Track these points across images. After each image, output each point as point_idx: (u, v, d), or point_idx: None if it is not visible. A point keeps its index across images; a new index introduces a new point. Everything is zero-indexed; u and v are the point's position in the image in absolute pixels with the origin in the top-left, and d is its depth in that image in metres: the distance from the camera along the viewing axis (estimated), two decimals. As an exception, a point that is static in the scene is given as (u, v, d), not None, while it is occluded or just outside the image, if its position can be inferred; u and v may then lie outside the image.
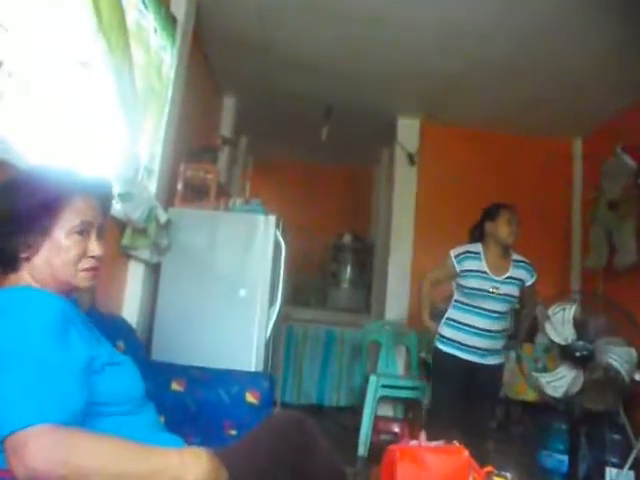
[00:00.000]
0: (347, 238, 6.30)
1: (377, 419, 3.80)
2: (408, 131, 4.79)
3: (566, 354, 2.82)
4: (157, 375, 2.06)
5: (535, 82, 3.85)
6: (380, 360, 4.12)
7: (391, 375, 3.98)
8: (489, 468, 1.48)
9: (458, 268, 2.70)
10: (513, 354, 3.29)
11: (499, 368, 2.75)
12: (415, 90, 4.27)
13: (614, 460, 3.01)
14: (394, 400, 4.15)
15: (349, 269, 6.27)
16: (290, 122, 5.20)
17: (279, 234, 2.94)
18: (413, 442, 1.65)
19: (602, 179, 4.04)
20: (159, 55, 2.70)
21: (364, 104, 4.57)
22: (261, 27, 3.48)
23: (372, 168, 6.26)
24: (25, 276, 1.13)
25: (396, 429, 3.83)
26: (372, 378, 3.78)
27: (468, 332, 2.66)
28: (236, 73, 4.25)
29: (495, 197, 4.58)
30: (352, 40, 3.55)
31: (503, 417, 4.09)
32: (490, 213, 2.79)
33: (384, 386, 3.74)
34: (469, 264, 2.69)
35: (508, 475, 1.45)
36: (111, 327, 1.82)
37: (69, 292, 1.20)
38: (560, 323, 2.83)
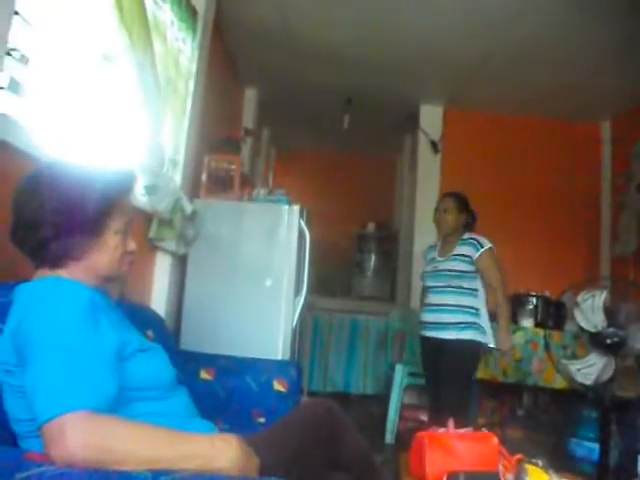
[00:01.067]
0: (371, 227, 6.29)
1: (404, 407, 3.81)
2: (431, 118, 4.75)
3: (596, 341, 2.77)
4: (186, 364, 2.08)
5: (561, 64, 3.76)
6: (407, 348, 4.11)
7: (417, 363, 3.97)
8: (520, 455, 1.47)
9: (425, 260, 3.09)
10: (542, 342, 3.26)
11: (464, 344, 2.73)
12: (437, 76, 4.21)
13: (646, 448, 2.96)
14: (420, 388, 4.14)
15: (373, 258, 6.27)
16: (312, 112, 5.19)
17: (303, 224, 2.94)
18: (441, 429, 1.65)
19: (631, 162, 3.95)
20: (176, 47, 2.70)
21: (386, 92, 4.54)
22: (281, 17, 3.47)
23: (395, 156, 6.22)
24: (58, 270, 1.15)
25: (423, 417, 3.82)
26: (398, 366, 3.78)
27: (424, 310, 2.94)
28: (257, 64, 4.25)
29: (521, 183, 4.59)
30: (373, 28, 3.52)
31: (531, 405, 4.06)
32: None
33: (410, 374, 3.73)
34: (429, 255, 3.05)
35: (539, 463, 1.44)
36: (140, 317, 1.84)
37: (101, 283, 1.23)
38: (590, 310, 2.77)
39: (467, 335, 2.74)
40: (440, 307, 2.81)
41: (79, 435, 0.89)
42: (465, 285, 2.80)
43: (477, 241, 2.82)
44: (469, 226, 3.01)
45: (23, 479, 0.85)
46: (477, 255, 2.79)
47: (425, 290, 3.02)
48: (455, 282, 2.80)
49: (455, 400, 2.66)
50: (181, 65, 2.77)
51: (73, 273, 1.15)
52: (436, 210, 3.02)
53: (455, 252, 2.85)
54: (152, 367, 1.21)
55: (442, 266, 2.86)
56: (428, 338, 2.87)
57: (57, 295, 1.07)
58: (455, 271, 2.81)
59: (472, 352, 2.77)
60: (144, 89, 2.18)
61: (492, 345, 2.80)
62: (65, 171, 1.18)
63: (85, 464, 0.88)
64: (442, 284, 2.83)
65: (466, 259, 2.81)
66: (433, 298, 2.87)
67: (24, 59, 1.57)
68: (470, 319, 2.76)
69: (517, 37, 3.46)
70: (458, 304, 2.78)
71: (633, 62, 3.56)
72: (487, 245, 2.81)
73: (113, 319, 1.16)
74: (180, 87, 2.77)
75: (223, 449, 1.00)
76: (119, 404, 1.05)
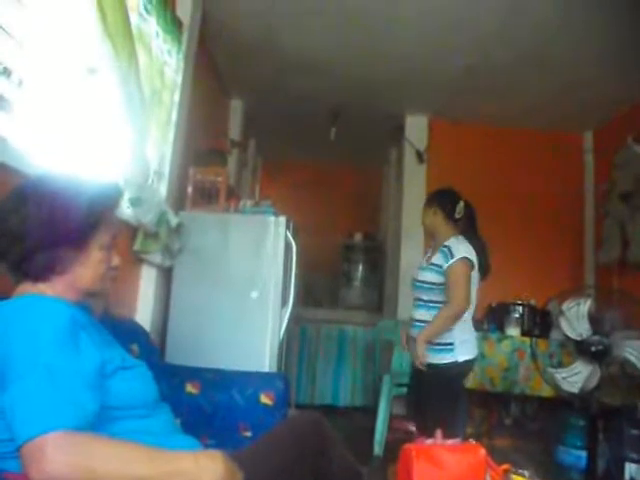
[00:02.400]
0: (358, 237, 6.30)
1: (392, 418, 3.79)
2: (416, 129, 4.78)
3: (581, 349, 2.79)
4: (171, 378, 2.07)
5: (544, 76, 3.82)
6: (394, 359, 4.10)
7: (405, 374, 3.96)
8: (506, 466, 1.47)
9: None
10: (528, 350, 3.27)
11: (442, 369, 2.44)
12: (423, 87, 4.25)
13: (633, 455, 2.97)
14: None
15: (360, 268, 6.27)
16: (298, 123, 5.20)
17: (290, 235, 2.94)
18: (429, 440, 1.65)
19: (614, 171, 4.01)
20: (160, 59, 2.70)
21: (372, 103, 4.56)
22: (267, 29, 3.48)
23: (381, 167, 6.25)
24: (40, 285, 1.14)
25: (412, 428, 3.81)
26: (386, 377, 3.77)
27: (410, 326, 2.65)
28: (243, 76, 4.26)
29: (505, 193, 4.63)
30: (359, 40, 3.55)
31: (519, 413, 4.07)
32: None
33: (398, 385, 3.72)
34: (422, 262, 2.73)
35: (526, 473, 1.44)
36: (125, 331, 1.82)
37: (83, 298, 1.22)
38: (575, 318, 2.79)
39: (444, 359, 2.45)
40: (414, 323, 2.57)
41: (60, 455, 0.88)
42: (435, 298, 2.51)
43: (449, 250, 2.48)
44: (463, 222, 2.64)
45: (1, 500, 0.83)
46: (446, 266, 2.46)
47: None
48: (426, 295, 2.53)
49: (440, 420, 2.21)
50: (166, 77, 2.77)
51: (55, 288, 1.14)
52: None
53: (432, 260, 2.56)
54: (134, 385, 1.19)
55: (417, 276, 2.61)
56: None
57: (37, 313, 1.05)
58: (426, 283, 2.53)
59: (451, 375, 2.48)
60: (128, 101, 2.17)
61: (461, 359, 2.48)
62: (52, 184, 1.17)
63: (65, 484, 0.87)
64: (416, 296, 2.60)
65: (438, 269, 2.50)
66: (413, 313, 2.63)
67: (6, 72, 1.56)
68: (445, 339, 2.46)
69: (501, 50, 3.51)
70: (430, 321, 2.48)
71: (615, 73, 3.62)
72: (458, 255, 2.45)
73: (95, 336, 1.14)
74: (165, 98, 2.76)
75: (207, 466, 0.99)
76: (101, 422, 1.03)
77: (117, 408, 1.11)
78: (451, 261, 2.45)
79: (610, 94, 3.93)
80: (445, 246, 2.52)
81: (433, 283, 2.51)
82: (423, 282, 2.55)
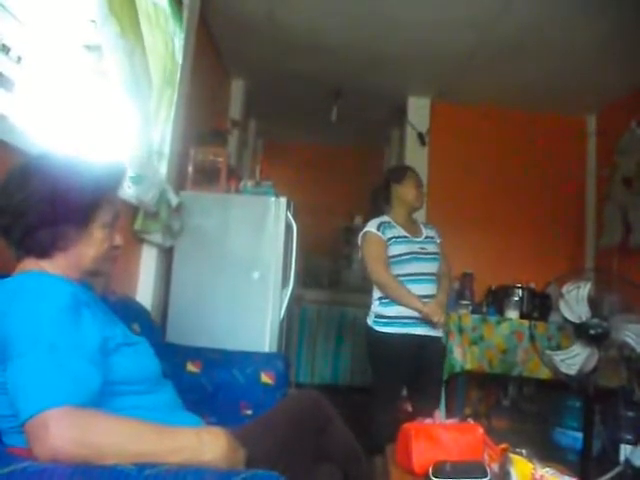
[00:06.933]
0: (358, 220, 6.28)
1: (391, 399, 3.81)
2: (418, 110, 4.74)
3: (580, 332, 2.80)
4: (172, 357, 2.08)
5: (548, 58, 3.77)
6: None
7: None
8: (504, 445, 1.49)
9: (384, 237, 2.55)
10: (527, 332, 3.28)
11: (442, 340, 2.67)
12: (426, 68, 4.20)
13: (629, 437, 3.00)
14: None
15: (361, 251, 6.26)
16: (300, 104, 5.16)
17: (290, 216, 2.94)
18: (427, 420, 1.67)
19: (617, 155, 3.98)
20: (173, 39, 2.67)
21: (374, 84, 4.52)
22: (269, 8, 3.43)
23: (383, 149, 6.21)
24: (42, 262, 1.14)
25: (410, 408, 3.84)
26: (385, 358, 3.78)
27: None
28: (244, 55, 4.22)
29: (507, 175, 4.61)
30: (361, 20, 3.49)
31: (517, 395, 4.11)
32: (396, 175, 2.74)
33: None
34: (389, 232, 2.57)
35: (523, 452, 1.45)
36: (126, 310, 1.83)
37: (85, 278, 1.22)
38: (574, 301, 2.79)
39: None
40: (430, 299, 2.52)
41: (63, 431, 0.89)
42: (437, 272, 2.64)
43: (434, 226, 2.79)
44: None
45: (6, 474, 0.84)
46: (440, 240, 2.71)
47: (403, 276, 2.53)
48: (437, 268, 2.61)
49: (440, 394, 2.68)
50: (176, 57, 2.74)
51: (58, 265, 1.14)
52: (400, 183, 2.68)
53: (427, 234, 2.66)
54: (137, 361, 1.20)
55: (429, 248, 2.59)
56: (412, 335, 2.51)
57: (38, 291, 1.06)
58: (438, 255, 2.62)
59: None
60: (133, 79, 2.14)
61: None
62: (56, 162, 1.17)
63: (70, 460, 0.87)
64: (434, 271, 2.58)
65: (436, 242, 2.68)
66: (429, 288, 2.54)
67: (5, 49, 1.54)
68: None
69: (504, 31, 3.45)
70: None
71: (619, 56, 3.57)
72: None
73: (97, 313, 1.14)
74: (175, 79, 2.74)
75: (210, 442, 1.00)
76: (104, 398, 1.04)
77: (119, 383, 1.12)
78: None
79: (614, 77, 3.89)
80: (427, 224, 2.79)
81: (440, 255, 2.66)
82: (437, 254, 2.64)
